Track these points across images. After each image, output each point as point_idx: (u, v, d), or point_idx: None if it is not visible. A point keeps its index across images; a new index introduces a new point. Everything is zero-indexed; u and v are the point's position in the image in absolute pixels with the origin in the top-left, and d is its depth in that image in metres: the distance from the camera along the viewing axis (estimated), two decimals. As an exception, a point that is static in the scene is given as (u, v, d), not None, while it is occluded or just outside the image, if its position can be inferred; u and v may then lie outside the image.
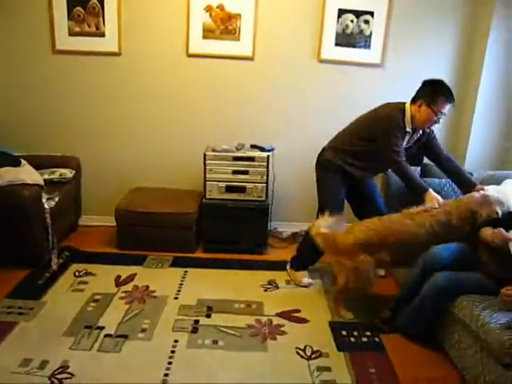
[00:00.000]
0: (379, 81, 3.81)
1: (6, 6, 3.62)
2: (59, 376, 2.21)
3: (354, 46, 3.71)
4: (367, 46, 3.70)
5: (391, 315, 2.74)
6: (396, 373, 2.38)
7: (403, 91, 3.77)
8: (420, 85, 2.86)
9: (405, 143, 2.95)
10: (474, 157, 3.80)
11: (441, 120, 2.87)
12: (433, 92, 2.78)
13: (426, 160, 3.62)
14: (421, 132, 2.99)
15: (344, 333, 2.69)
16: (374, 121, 2.96)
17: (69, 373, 2.23)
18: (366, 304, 2.96)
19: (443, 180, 3.30)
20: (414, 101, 2.86)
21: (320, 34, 3.68)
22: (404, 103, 2.91)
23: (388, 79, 3.81)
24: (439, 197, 2.78)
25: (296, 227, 4.09)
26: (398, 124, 2.85)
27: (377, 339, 2.65)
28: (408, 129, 2.89)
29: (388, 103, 3.00)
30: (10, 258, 3.20)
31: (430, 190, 2.80)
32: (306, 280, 3.22)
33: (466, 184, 2.99)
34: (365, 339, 2.66)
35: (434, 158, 3.12)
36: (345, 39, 3.68)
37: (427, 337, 2.62)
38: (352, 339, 2.64)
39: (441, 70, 3.80)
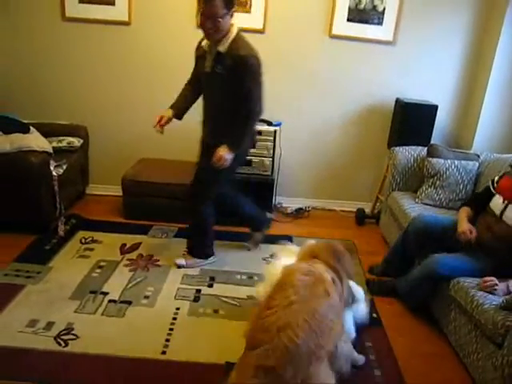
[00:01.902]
0: (391, 58, 3.77)
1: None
2: (64, 337, 2.29)
3: (366, 22, 3.65)
4: (380, 22, 3.64)
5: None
6: (392, 347, 2.44)
7: (415, 69, 3.79)
8: None
9: (207, 64, 2.67)
10: (482, 138, 3.76)
11: (213, 24, 2.49)
12: None
13: (433, 140, 3.64)
14: (223, 50, 2.59)
15: (342, 307, 2.74)
16: None
17: (74, 334, 2.32)
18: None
19: (448, 161, 3.30)
20: None
21: (332, 8, 3.63)
22: None
23: (400, 56, 3.76)
24: None
25: (300, 203, 4.13)
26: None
27: (374, 315, 2.70)
28: (203, 43, 2.70)
29: None
30: (19, 224, 3.26)
31: None
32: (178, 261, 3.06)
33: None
34: (363, 314, 2.71)
35: None
36: (357, 15, 3.63)
37: (423, 313, 2.69)
38: (350, 314, 2.69)
39: (454, 48, 3.76)
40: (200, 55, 2.75)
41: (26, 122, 3.51)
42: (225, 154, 2.66)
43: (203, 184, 2.87)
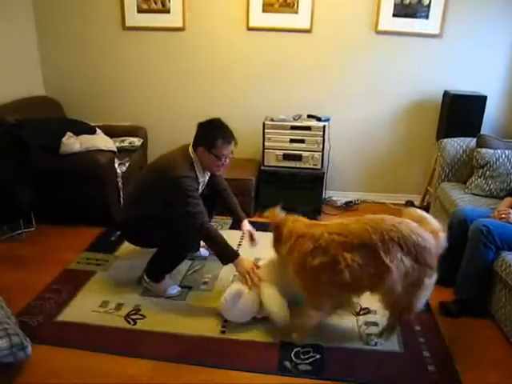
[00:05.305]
0: (438, 51, 3.79)
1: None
2: (133, 317, 2.53)
3: (412, 17, 3.70)
4: (426, 15, 3.68)
5: None
6: (441, 331, 2.49)
7: (462, 60, 3.79)
8: (197, 128, 2.62)
9: (200, 190, 2.72)
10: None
11: (227, 160, 2.61)
12: (210, 137, 2.53)
13: (482, 130, 3.63)
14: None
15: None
16: (162, 187, 2.55)
17: (141, 314, 2.55)
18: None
19: (498, 151, 3.29)
20: (194, 146, 2.61)
21: (378, 5, 3.70)
22: (188, 150, 2.62)
23: (447, 49, 3.78)
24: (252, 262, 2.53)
25: (350, 196, 4.23)
26: (191, 186, 2.50)
27: (424, 301, 2.76)
28: (201, 179, 2.67)
29: (173, 157, 2.62)
30: (87, 217, 3.56)
31: (241, 255, 2.53)
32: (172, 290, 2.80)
33: (234, 215, 2.99)
34: (413, 300, 2.77)
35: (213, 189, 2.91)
36: (403, 9, 3.68)
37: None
38: (400, 299, 2.76)
39: (502, 37, 3.73)
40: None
41: (92, 124, 3.82)
42: None
43: None
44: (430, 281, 2.14)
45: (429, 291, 2.19)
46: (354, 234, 2.10)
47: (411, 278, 2.08)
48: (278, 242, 2.38)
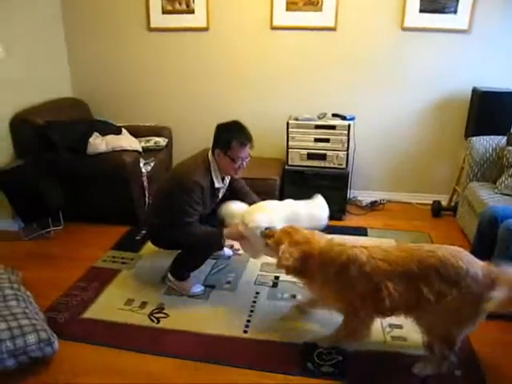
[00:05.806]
0: (466, 47, 3.70)
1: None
2: (157, 315, 2.55)
3: (439, 12, 3.61)
4: (454, 10, 3.58)
5: None
6: (467, 335, 2.42)
7: (491, 56, 3.70)
8: (215, 129, 2.60)
9: (221, 195, 2.79)
10: None
11: (245, 164, 2.61)
12: (226, 139, 2.53)
13: (513, 128, 3.53)
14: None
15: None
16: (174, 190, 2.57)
17: (164, 313, 2.58)
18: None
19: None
20: (212, 149, 2.61)
21: (404, 0, 3.63)
22: (207, 155, 2.64)
23: (475, 44, 3.68)
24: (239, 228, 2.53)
25: (375, 196, 4.17)
26: (196, 196, 2.51)
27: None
28: (218, 184, 2.66)
29: (192, 161, 2.67)
30: (113, 216, 3.61)
31: (224, 230, 2.59)
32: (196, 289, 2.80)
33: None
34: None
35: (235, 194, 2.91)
36: (430, 5, 3.60)
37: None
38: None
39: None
40: (213, 194, 2.70)
41: (118, 124, 3.89)
42: None
43: None
44: (473, 311, 1.97)
45: (472, 323, 2.01)
46: (397, 263, 2.01)
47: (450, 306, 1.93)
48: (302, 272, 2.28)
